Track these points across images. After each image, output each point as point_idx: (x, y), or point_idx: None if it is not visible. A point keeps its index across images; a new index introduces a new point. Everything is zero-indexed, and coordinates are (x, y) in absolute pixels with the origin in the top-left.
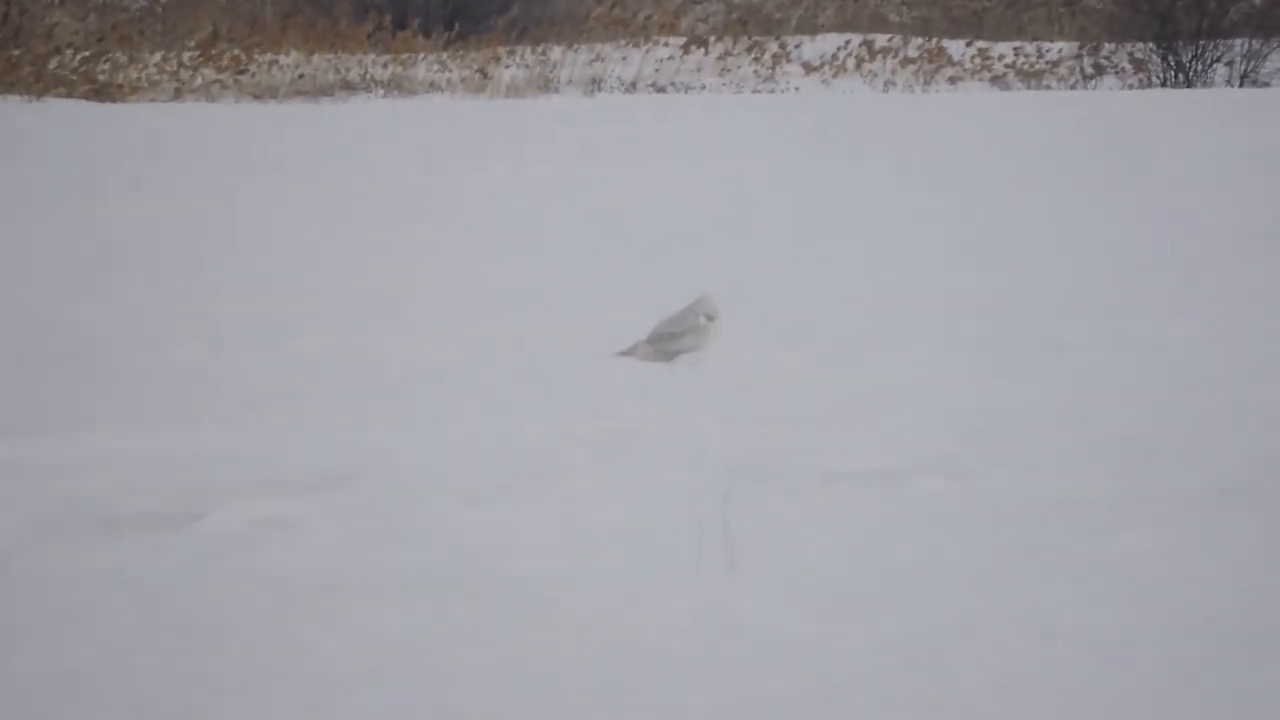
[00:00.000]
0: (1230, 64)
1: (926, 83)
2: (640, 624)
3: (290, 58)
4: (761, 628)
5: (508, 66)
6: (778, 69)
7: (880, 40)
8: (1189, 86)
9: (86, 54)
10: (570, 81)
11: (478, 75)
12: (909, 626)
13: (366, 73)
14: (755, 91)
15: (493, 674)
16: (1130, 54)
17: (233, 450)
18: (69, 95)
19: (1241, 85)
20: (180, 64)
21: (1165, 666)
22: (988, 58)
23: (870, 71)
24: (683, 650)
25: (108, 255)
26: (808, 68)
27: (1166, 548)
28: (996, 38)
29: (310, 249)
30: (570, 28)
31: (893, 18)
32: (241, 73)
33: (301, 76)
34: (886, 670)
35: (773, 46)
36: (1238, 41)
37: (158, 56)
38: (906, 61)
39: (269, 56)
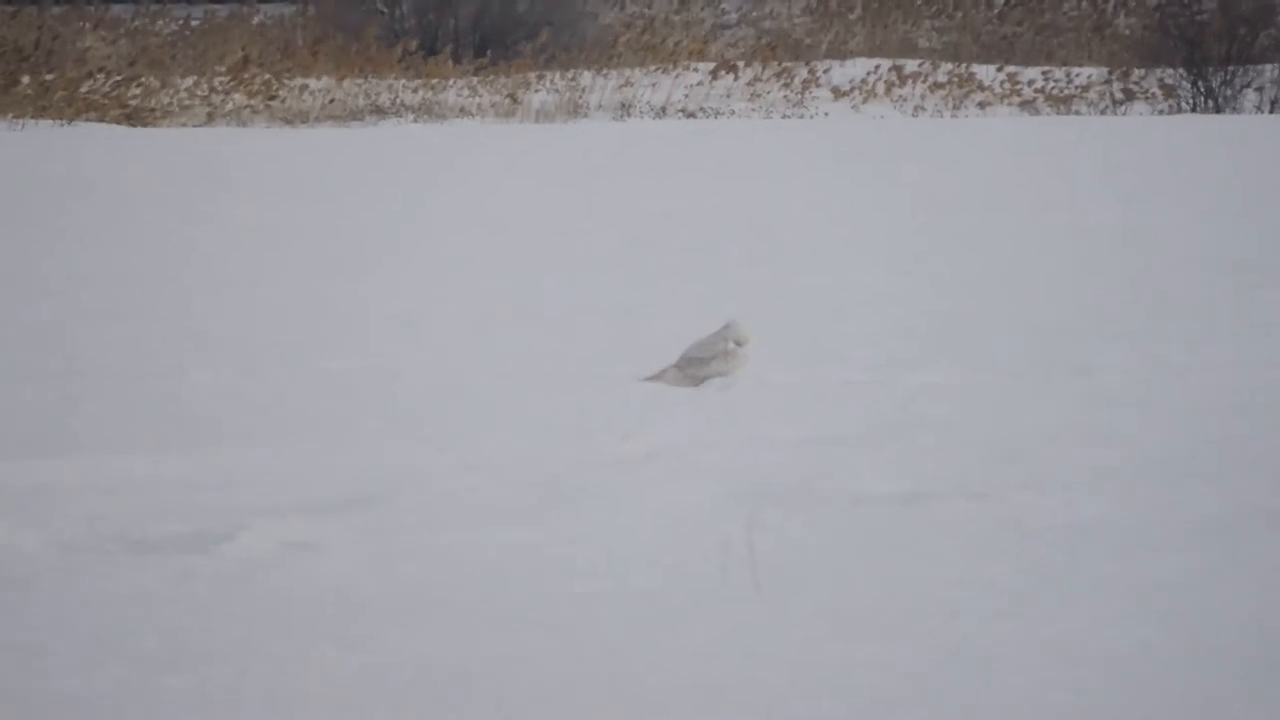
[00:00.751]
0: (1260, 89)
1: (956, 107)
2: (666, 644)
3: (321, 83)
4: (787, 649)
5: (537, 91)
6: (807, 94)
7: (910, 65)
8: (1218, 112)
9: (118, 78)
10: (600, 106)
11: (507, 100)
12: (934, 649)
13: (397, 97)
14: (785, 116)
15: (518, 694)
16: (1160, 79)
17: (260, 472)
18: (101, 119)
19: (1272, 111)
20: (211, 89)
21: (1191, 691)
22: (1017, 83)
23: (900, 96)
24: (708, 671)
25: (137, 278)
26: (837, 93)
27: (1193, 571)
28: (1026, 63)
29: (339, 271)
30: (600, 53)
31: (922, 43)
32: (272, 98)
33: (332, 101)
34: (911, 693)
35: (802, 72)
36: (1268, 67)
37: (189, 81)
38: (936, 86)
39: (299, 81)
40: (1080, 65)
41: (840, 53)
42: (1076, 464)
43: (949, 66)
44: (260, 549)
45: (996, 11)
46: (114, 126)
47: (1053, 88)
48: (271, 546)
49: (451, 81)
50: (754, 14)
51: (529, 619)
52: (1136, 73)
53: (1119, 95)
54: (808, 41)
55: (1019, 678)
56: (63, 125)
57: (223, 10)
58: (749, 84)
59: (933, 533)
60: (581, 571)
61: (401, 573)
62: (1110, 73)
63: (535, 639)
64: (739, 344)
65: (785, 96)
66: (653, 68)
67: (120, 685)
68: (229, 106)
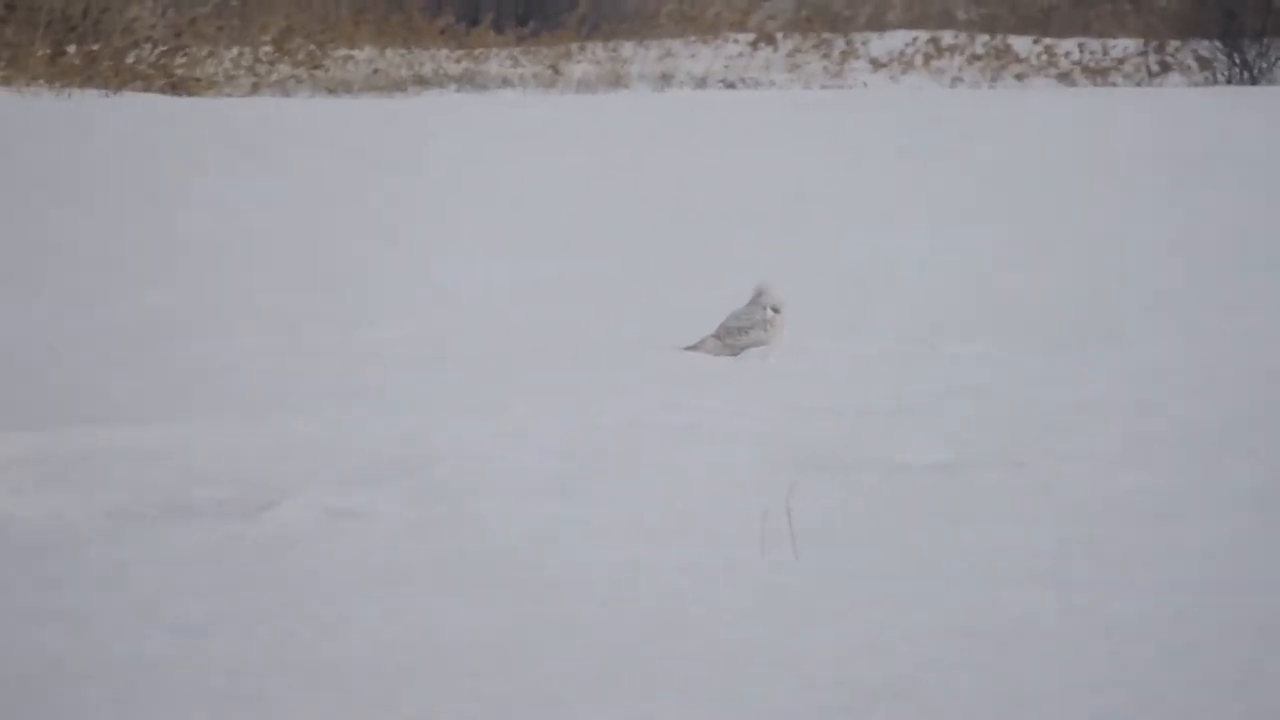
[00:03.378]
0: None
1: (993, 79)
2: (705, 612)
3: (364, 53)
4: (825, 616)
5: (579, 62)
6: (846, 65)
7: (947, 37)
8: (1254, 84)
9: (164, 49)
10: (641, 77)
11: (549, 71)
12: (970, 617)
13: (439, 68)
14: (824, 87)
15: (558, 661)
16: (1195, 51)
17: (305, 439)
18: (146, 89)
19: None
20: (256, 59)
21: (1226, 659)
22: (1054, 54)
23: (938, 68)
24: (747, 637)
25: (183, 246)
26: (875, 64)
27: (1228, 540)
28: (1063, 35)
29: (383, 241)
30: (641, 24)
31: (960, 14)
32: (316, 68)
33: (375, 71)
34: (948, 659)
35: (841, 43)
36: None
37: (234, 51)
38: (973, 58)
39: (343, 51)
40: (1116, 37)
41: (879, 24)
42: (1112, 434)
43: (986, 38)
44: (303, 516)
45: None
46: (160, 96)
47: (1089, 60)
48: (315, 514)
49: (494, 52)
50: None
51: (569, 587)
52: (1172, 44)
53: (1155, 67)
54: (846, 13)
55: (1055, 645)
56: (109, 95)
57: None
58: (788, 55)
59: (969, 501)
60: (621, 540)
61: (444, 541)
62: (1146, 44)
63: (576, 607)
64: (776, 311)
65: (824, 68)
66: (693, 39)
67: (166, 651)
68: (274, 77)
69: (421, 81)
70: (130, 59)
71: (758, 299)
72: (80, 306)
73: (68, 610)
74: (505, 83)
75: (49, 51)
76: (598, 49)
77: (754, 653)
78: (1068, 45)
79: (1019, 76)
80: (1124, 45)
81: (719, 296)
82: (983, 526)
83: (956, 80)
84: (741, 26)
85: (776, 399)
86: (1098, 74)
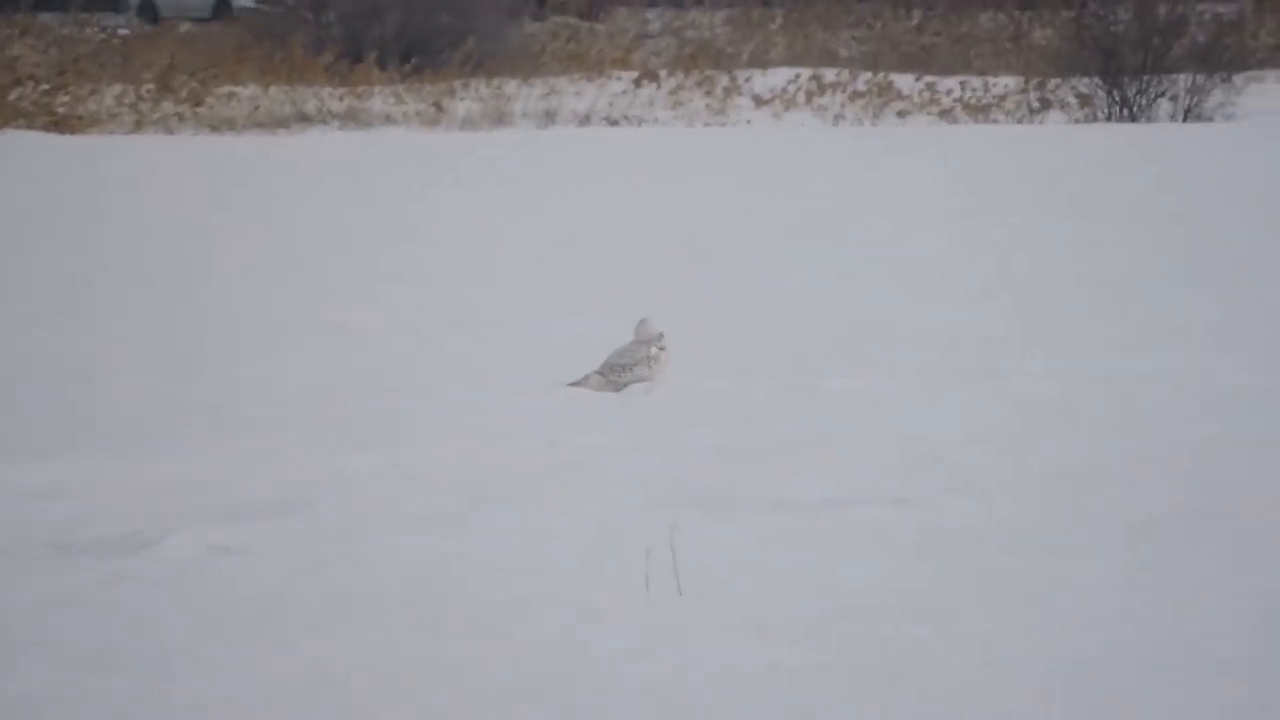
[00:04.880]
0: (1174, 99)
1: (876, 116)
2: (591, 648)
3: (248, 90)
4: (711, 653)
5: (463, 99)
6: (729, 102)
7: (830, 74)
8: (1133, 121)
9: (47, 86)
10: (524, 115)
11: (433, 108)
12: (856, 653)
13: (323, 105)
14: (707, 125)
15: (447, 697)
16: (1075, 89)
17: (189, 477)
18: (29, 127)
19: (1185, 120)
20: (139, 96)
21: (1108, 693)
22: (935, 92)
23: (820, 105)
24: (636, 674)
25: (69, 286)
26: (758, 101)
27: (1110, 574)
28: (945, 72)
29: (267, 279)
30: (525, 62)
31: (842, 52)
32: (199, 105)
33: (258, 109)
34: (833, 696)
35: (724, 80)
36: (1181, 76)
37: (117, 89)
38: (856, 95)
39: (226, 89)
40: (997, 75)
41: (761, 62)
42: (995, 470)
43: (868, 76)
44: (188, 553)
45: (915, 22)
46: (42, 134)
47: (970, 97)
48: (199, 551)
49: (377, 89)
50: (676, 23)
51: (457, 623)
52: (1052, 82)
53: (1036, 104)
54: (729, 50)
55: (938, 680)
56: None
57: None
58: (671, 92)
59: (854, 537)
60: (509, 576)
61: (329, 578)
62: (1027, 82)
63: (464, 643)
64: (660, 347)
65: (708, 105)
66: (577, 76)
67: (50, 688)
68: (156, 114)
69: (305, 118)
70: (13, 96)
71: (640, 335)
72: None
73: None
74: (389, 120)
75: None
76: (481, 86)
77: (641, 689)
78: (949, 83)
79: (901, 113)
80: (1005, 83)
81: (602, 333)
82: (866, 562)
83: (839, 117)
84: (625, 64)
85: (660, 436)
86: (979, 111)
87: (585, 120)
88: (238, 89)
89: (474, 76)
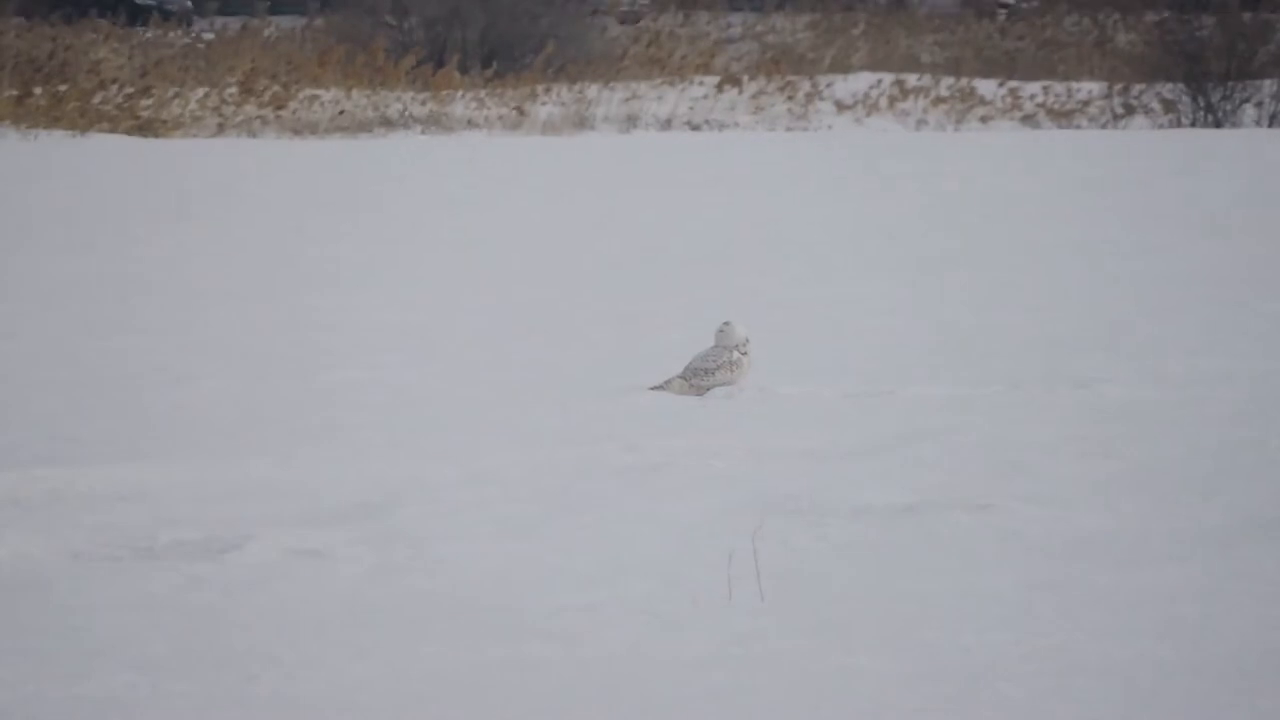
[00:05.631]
0: (1259, 104)
1: (958, 121)
2: (672, 655)
3: (330, 94)
4: (791, 659)
5: (544, 104)
6: (811, 107)
7: (912, 80)
8: (1218, 127)
9: (130, 90)
10: (606, 119)
11: (514, 112)
12: (935, 660)
13: (405, 109)
14: (789, 130)
15: (525, 704)
16: (1159, 94)
17: (269, 481)
18: (113, 131)
19: (1271, 125)
20: (222, 100)
21: (1190, 701)
22: (1018, 97)
23: (902, 110)
24: (714, 681)
25: (149, 289)
26: (840, 106)
27: (1191, 582)
28: (1028, 77)
29: (348, 282)
30: (606, 66)
31: (925, 58)
32: (281, 108)
33: (341, 113)
34: (913, 703)
35: (805, 85)
36: (1266, 82)
37: (200, 93)
38: (938, 101)
39: (309, 92)
40: (1081, 80)
41: (843, 67)
42: (1076, 476)
43: (951, 81)
44: (268, 557)
45: (998, 26)
46: (126, 137)
47: (1054, 102)
48: (279, 555)
49: (459, 94)
50: (758, 28)
51: (533, 628)
52: (1136, 87)
53: (1119, 110)
54: (811, 56)
55: (1019, 687)
56: (75, 136)
57: (234, 23)
58: (753, 97)
59: (934, 544)
60: (586, 582)
61: (407, 582)
62: (1110, 87)
63: (540, 648)
64: (742, 351)
65: (789, 110)
66: (658, 81)
67: (129, 690)
68: (239, 118)
69: (387, 123)
70: (97, 100)
71: (723, 340)
72: (44, 349)
73: (32, 649)
74: (471, 124)
75: (15, 93)
76: (563, 90)
77: (716, 695)
78: (1032, 88)
79: (984, 119)
80: (1089, 88)
81: (685, 337)
82: (948, 570)
83: (921, 123)
84: (707, 69)
85: (742, 441)
86: (1062, 116)
87: (666, 125)
88: (320, 93)
89: (555, 81)
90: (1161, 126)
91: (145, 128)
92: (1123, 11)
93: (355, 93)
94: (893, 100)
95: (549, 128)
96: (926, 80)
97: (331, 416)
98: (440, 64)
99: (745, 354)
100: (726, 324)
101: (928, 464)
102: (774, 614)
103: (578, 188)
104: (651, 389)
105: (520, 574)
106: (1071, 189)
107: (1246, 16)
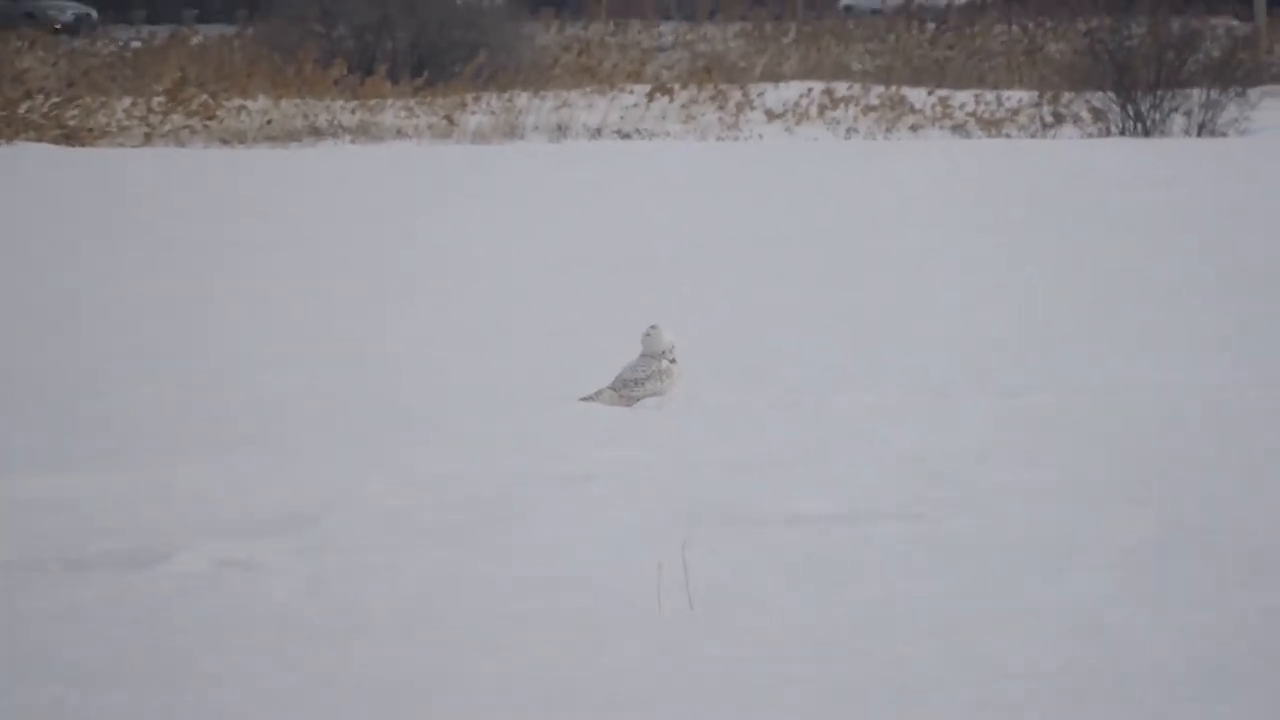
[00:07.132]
0: (1188, 114)
1: (888, 130)
2: (600, 664)
3: (258, 103)
4: (720, 668)
5: (474, 113)
6: (741, 116)
7: (842, 88)
8: (1147, 136)
9: (57, 99)
10: (536, 128)
11: (444, 121)
12: (866, 669)
13: (334, 119)
14: (719, 138)
15: (453, 712)
16: (1089, 103)
17: (199, 491)
18: (39, 139)
19: (1199, 135)
20: (149, 109)
21: (1117, 709)
22: (949, 106)
23: (833, 119)
24: (644, 690)
25: (76, 299)
26: (771, 115)
27: (1120, 590)
28: (958, 86)
29: (279, 292)
30: (537, 75)
31: (855, 66)
32: (210, 118)
33: (269, 122)
34: (843, 712)
35: (736, 94)
36: (1195, 91)
37: (127, 102)
38: (868, 109)
39: (237, 102)
40: (1011, 89)
41: (774, 76)
42: (1005, 485)
43: (881, 89)
44: (197, 567)
45: (928, 36)
46: (52, 146)
47: (984, 111)
48: (209, 565)
49: (389, 103)
50: (689, 37)
51: (465, 638)
52: (1066, 96)
53: (1049, 118)
54: (742, 65)
55: (949, 697)
56: (0, 145)
57: (161, 32)
58: (684, 106)
59: (864, 553)
60: (519, 590)
61: (337, 592)
62: (1040, 96)
63: (471, 657)
64: (670, 358)
65: (720, 119)
66: (589, 90)
67: (58, 702)
68: (167, 127)
69: (316, 132)
70: (23, 109)
71: (648, 343)
72: None
73: None
74: (400, 133)
75: None
76: (493, 99)
77: (647, 704)
78: (963, 97)
79: (914, 127)
80: (1018, 97)
81: (615, 347)
82: (878, 579)
83: (851, 131)
84: (638, 77)
85: (672, 450)
86: (992, 125)
87: (597, 133)
88: (248, 102)
89: (485, 89)
90: (1090, 135)
91: (71, 136)
92: (1053, 20)
93: (284, 102)
94: (823, 109)
95: (479, 136)
96: (856, 89)
97: (262, 426)
98: (369, 73)
99: (674, 362)
100: (653, 328)
101: (858, 473)
102: (703, 623)
103: (508, 197)
104: (582, 400)
105: (452, 583)
106: (1001, 197)
107: (1175, 25)
